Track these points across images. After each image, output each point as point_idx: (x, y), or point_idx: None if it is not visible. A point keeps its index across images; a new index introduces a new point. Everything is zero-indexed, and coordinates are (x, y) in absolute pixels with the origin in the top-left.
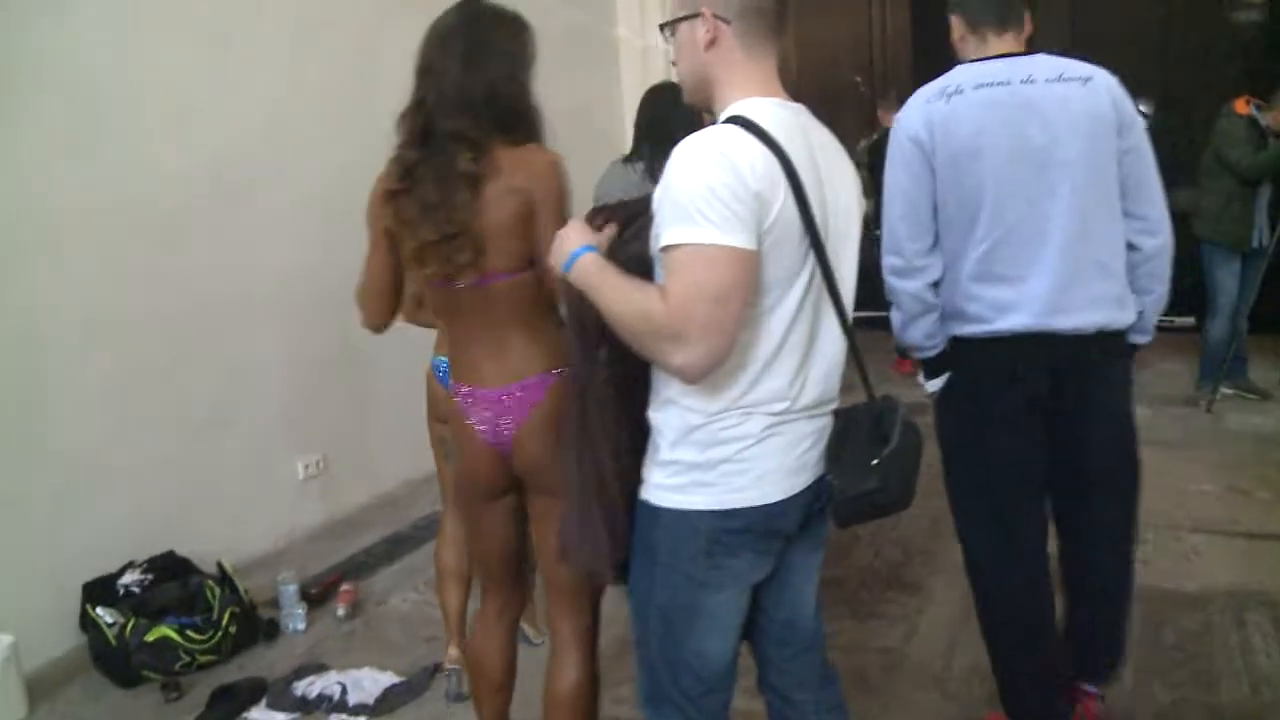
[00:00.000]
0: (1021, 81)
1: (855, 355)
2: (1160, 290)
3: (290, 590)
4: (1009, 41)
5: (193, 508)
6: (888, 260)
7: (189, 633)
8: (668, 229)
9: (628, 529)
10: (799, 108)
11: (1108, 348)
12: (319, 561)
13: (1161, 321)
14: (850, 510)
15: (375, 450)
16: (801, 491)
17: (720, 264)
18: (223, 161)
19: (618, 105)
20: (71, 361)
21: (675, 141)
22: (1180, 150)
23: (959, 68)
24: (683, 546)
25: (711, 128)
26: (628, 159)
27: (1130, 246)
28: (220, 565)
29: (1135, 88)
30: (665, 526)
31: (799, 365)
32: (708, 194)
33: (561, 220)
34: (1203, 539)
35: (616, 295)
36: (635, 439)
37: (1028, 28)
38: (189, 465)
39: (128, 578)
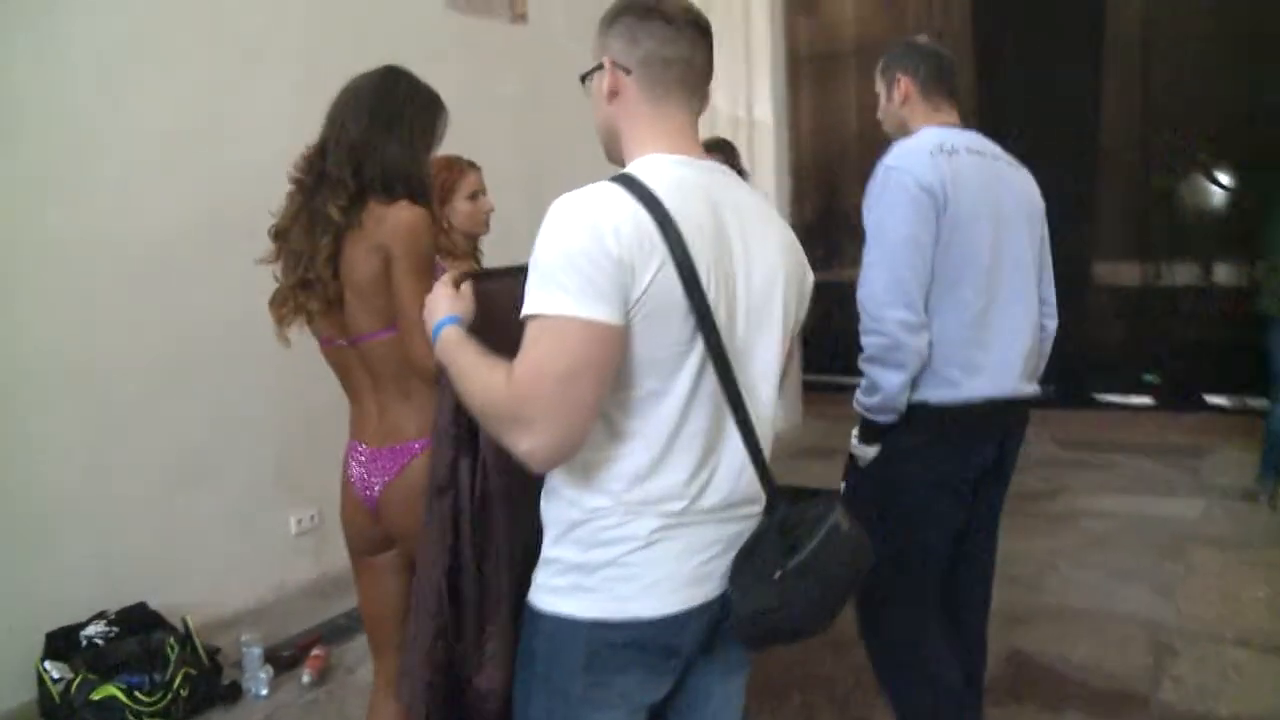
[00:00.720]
0: (992, 157)
1: (752, 451)
2: (1043, 366)
3: (254, 653)
4: (955, 111)
5: (176, 559)
6: (896, 314)
7: (137, 693)
8: (527, 298)
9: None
10: (712, 166)
11: (1028, 416)
12: (304, 620)
13: (1231, 402)
14: (749, 632)
15: None
16: (705, 604)
17: (571, 338)
18: (215, 201)
19: None
20: (51, 403)
21: None
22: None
23: (932, 130)
24: (562, 656)
25: (588, 186)
26: None
27: None
28: (185, 622)
29: (1218, 152)
30: (544, 633)
31: (700, 460)
32: (564, 261)
33: (416, 279)
34: (1245, 655)
35: (471, 373)
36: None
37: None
38: (173, 515)
39: (92, 629)
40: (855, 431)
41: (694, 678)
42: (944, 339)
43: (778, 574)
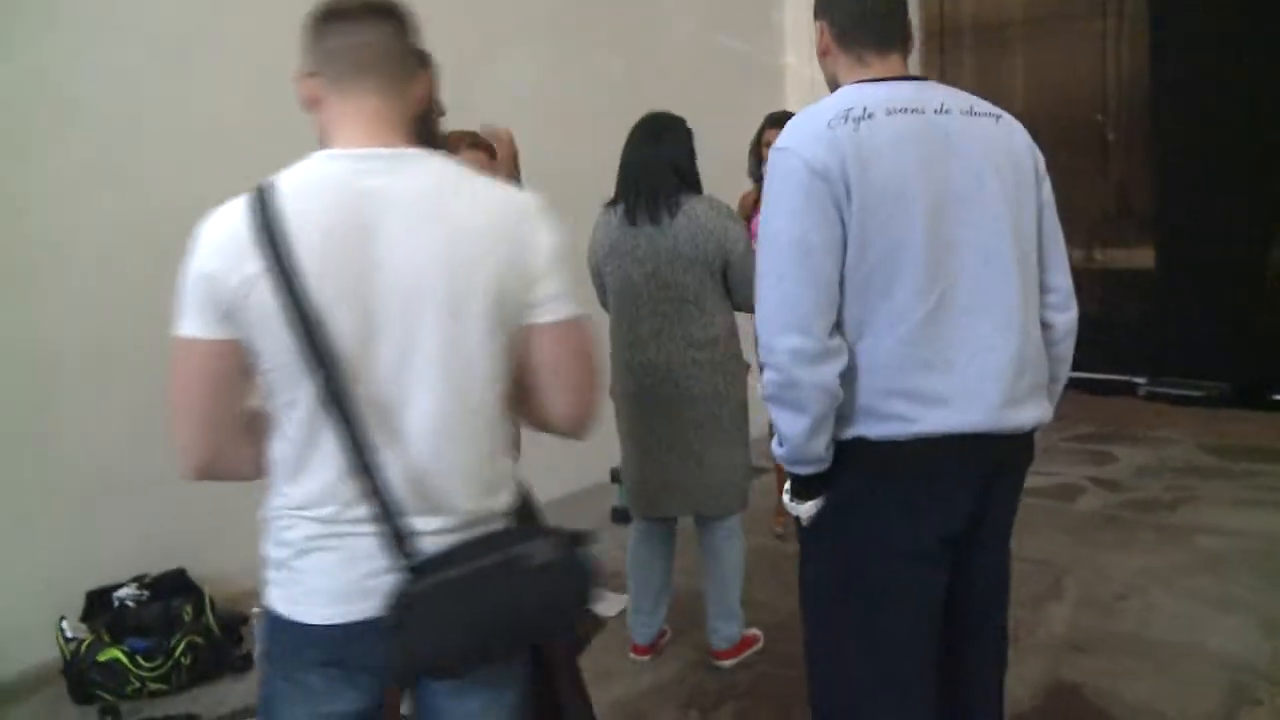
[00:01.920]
0: (935, 111)
1: (361, 465)
2: (1065, 375)
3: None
4: (894, 64)
5: (221, 527)
6: (788, 342)
7: (139, 658)
8: None
9: None
10: (375, 154)
11: (1030, 449)
12: None
13: None
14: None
15: None
16: (377, 620)
17: (177, 355)
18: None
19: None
20: (101, 372)
21: (650, 181)
22: None
23: (852, 88)
24: (262, 642)
25: None
26: (609, 204)
27: (1041, 324)
28: (203, 589)
29: None
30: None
31: (347, 466)
32: (185, 277)
33: None
34: None
35: None
36: None
37: (911, 46)
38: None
39: (124, 591)
40: (786, 486)
41: (423, 696)
42: (874, 364)
43: (397, 595)
